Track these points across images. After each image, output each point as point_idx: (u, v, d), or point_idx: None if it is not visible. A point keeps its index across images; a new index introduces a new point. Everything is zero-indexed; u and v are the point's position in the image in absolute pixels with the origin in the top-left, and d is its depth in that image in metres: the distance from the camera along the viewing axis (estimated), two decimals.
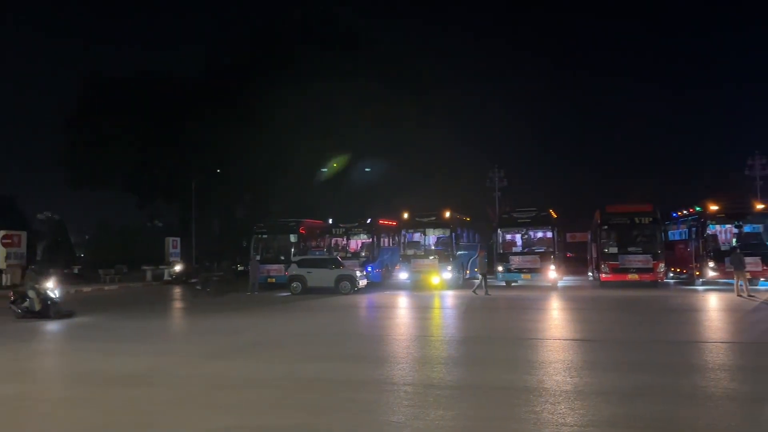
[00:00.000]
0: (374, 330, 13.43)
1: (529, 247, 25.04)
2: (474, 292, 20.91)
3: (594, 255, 25.53)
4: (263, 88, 36.69)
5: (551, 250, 23.79)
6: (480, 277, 21.39)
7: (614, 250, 23.02)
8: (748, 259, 19.30)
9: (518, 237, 25.85)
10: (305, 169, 39.44)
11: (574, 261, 31.94)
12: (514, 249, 25.04)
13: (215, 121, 36.61)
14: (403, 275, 24.95)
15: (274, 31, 41.01)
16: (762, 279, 20.59)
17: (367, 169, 39.59)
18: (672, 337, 11.88)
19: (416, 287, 23.94)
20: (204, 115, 36.80)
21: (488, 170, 44.48)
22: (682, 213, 25.44)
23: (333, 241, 27.26)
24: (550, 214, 24.79)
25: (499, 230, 25.09)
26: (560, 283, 24.45)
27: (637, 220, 23.07)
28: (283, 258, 26.09)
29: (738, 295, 18.15)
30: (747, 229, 22.36)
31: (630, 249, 22.76)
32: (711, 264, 21.61)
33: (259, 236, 26.93)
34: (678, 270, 25.26)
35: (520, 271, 23.75)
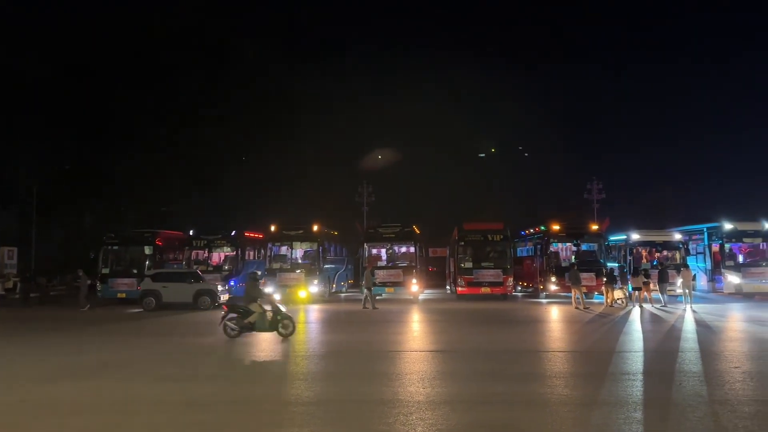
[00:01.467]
0: (233, 347, 13.01)
1: (393, 261, 25.76)
2: (374, 307, 21.15)
3: (452, 269, 26.88)
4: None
5: (414, 264, 24.68)
6: (366, 291, 21.64)
7: (469, 264, 24.45)
8: (584, 275, 21.42)
9: (383, 251, 26.54)
10: (165, 175, 37.53)
11: (436, 275, 33.37)
12: (379, 263, 25.64)
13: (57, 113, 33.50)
14: (269, 289, 24.46)
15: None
16: (596, 293, 22.90)
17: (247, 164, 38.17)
18: (517, 346, 12.82)
19: (282, 301, 23.55)
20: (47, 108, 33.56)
21: (358, 185, 45.27)
22: (530, 231, 27.72)
23: (193, 253, 26.06)
24: (414, 230, 25.74)
25: (365, 245, 25.56)
26: (421, 296, 25.40)
27: (490, 237, 24.70)
28: (136, 271, 24.44)
29: (575, 308, 20.04)
30: (584, 247, 24.82)
31: (483, 264, 24.30)
32: (553, 279, 23.70)
33: (110, 247, 25.01)
34: (525, 284, 27.38)
35: (384, 284, 24.32)
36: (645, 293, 20.66)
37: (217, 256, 26.49)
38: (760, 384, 8.51)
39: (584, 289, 21.32)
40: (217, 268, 25.36)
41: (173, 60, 34.21)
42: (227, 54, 37.77)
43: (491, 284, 24.02)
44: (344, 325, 17.46)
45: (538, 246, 25.72)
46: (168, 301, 21.41)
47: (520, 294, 27.26)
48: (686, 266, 22.07)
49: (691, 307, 19.54)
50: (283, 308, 13.76)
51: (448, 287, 29.56)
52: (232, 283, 24.24)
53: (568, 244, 25.20)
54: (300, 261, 25.60)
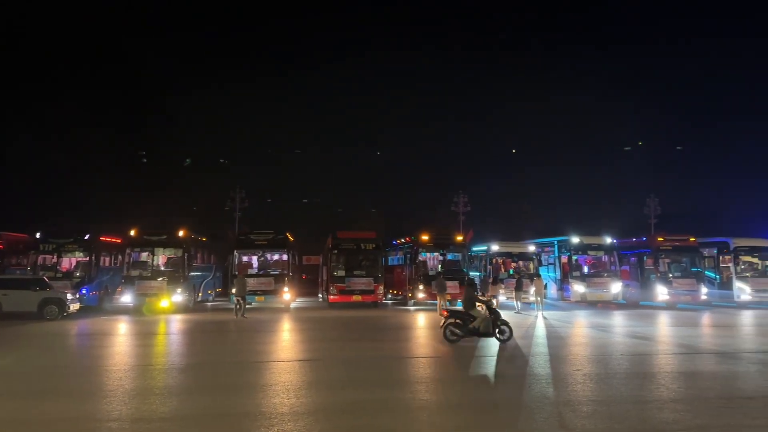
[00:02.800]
0: (82, 360, 11.96)
1: (264, 269, 25.21)
2: (243, 316, 20.40)
3: (324, 277, 26.87)
4: None
5: (286, 272, 24.33)
6: (235, 300, 20.93)
7: (342, 272, 24.61)
8: (449, 283, 22.40)
9: (255, 259, 25.88)
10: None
11: (309, 283, 33.17)
12: (250, 271, 24.97)
13: None
14: (126, 298, 22.86)
15: None
16: (460, 300, 23.97)
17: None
18: (384, 353, 13.07)
19: (141, 311, 22.12)
20: None
21: (230, 190, 43.87)
22: (400, 241, 28.53)
23: (40, 258, 23.64)
24: (287, 237, 25.40)
25: (235, 252, 24.77)
26: (293, 305, 25.11)
27: (363, 245, 25.06)
28: None
29: (440, 315, 20.83)
30: (450, 257, 25.98)
31: (355, 272, 24.57)
32: (421, 287, 24.53)
33: None
34: (395, 292, 28.08)
35: (254, 292, 23.70)
36: (495, 301, 22.08)
37: (68, 261, 24.26)
38: (598, 385, 9.38)
39: (449, 297, 22.31)
40: (68, 275, 23.22)
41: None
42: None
43: (362, 292, 24.33)
44: (209, 336, 16.76)
45: (408, 255, 26.51)
46: (8, 310, 19.27)
47: (390, 302, 27.89)
48: (539, 276, 23.88)
49: (542, 313, 21.13)
50: (501, 313, 13.91)
51: (320, 295, 29.49)
52: (84, 291, 22.34)
53: (436, 253, 26.26)
54: (163, 268, 24.19)
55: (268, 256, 25.76)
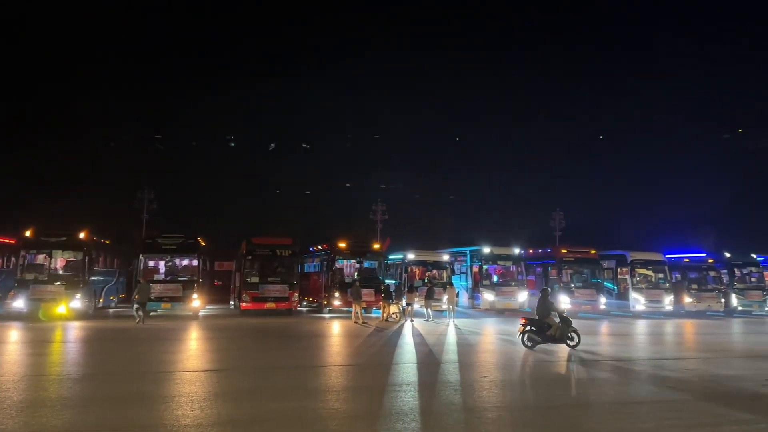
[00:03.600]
0: None
1: (172, 274, 24.20)
2: (142, 323, 19.50)
3: (237, 284, 26.19)
4: None
5: (196, 278, 23.48)
6: (136, 306, 19.97)
7: (256, 279, 24.08)
8: (364, 291, 22.50)
9: (162, 264, 24.79)
10: None
11: (221, 289, 32.18)
12: (157, 276, 23.90)
13: None
14: (19, 303, 21.22)
15: None
16: (375, 307, 24.14)
17: None
18: (296, 362, 12.88)
19: (36, 317, 20.60)
20: None
21: (137, 191, 41.81)
22: (317, 248, 28.33)
23: None
24: (198, 242, 24.53)
25: (141, 256, 23.63)
26: (202, 312, 24.26)
27: (278, 252, 24.64)
28: None
29: (355, 322, 20.89)
30: (366, 264, 26.07)
31: (270, 279, 24.11)
32: (337, 294, 24.45)
33: None
34: (311, 299, 27.81)
35: (160, 299, 22.70)
36: (409, 308, 22.45)
37: None
38: (502, 391, 9.71)
39: (364, 305, 22.40)
40: None
41: None
42: None
43: (277, 299, 23.90)
44: (108, 344, 15.85)
45: (324, 262, 26.37)
46: None
47: (305, 309, 27.58)
48: (451, 284, 24.48)
49: (453, 321, 21.64)
50: (572, 320, 14.80)
51: (232, 303, 28.69)
52: None
53: (352, 261, 26.27)
54: (61, 272, 22.66)
55: (177, 261, 24.76)
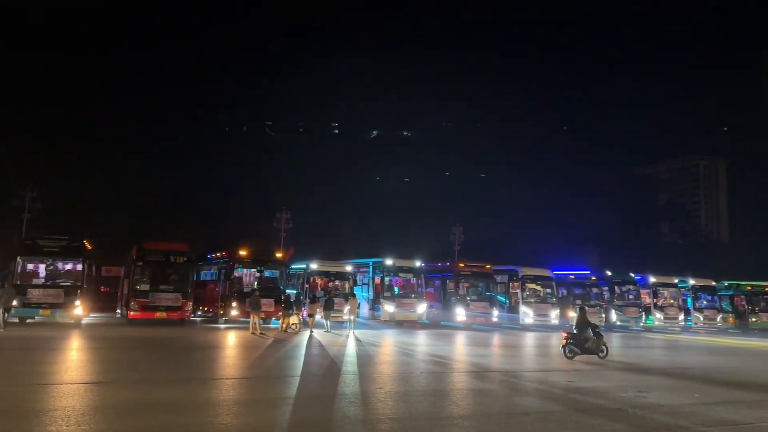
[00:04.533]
0: None
1: (53, 279, 22.43)
2: (2, 328, 18.04)
3: (126, 291, 24.72)
4: None
5: (79, 283, 21.93)
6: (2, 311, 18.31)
7: (146, 286, 22.84)
8: (264, 301, 21.99)
9: (43, 268, 22.92)
10: None
11: (109, 296, 30.23)
12: (35, 281, 22.07)
13: None
14: None
15: None
16: (274, 318, 23.66)
17: None
18: (186, 374, 12.32)
19: None
20: None
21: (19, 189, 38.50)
22: (216, 255, 27.37)
23: None
24: (84, 245, 22.93)
25: (18, 258, 21.75)
26: (86, 320, 22.67)
27: (172, 258, 23.52)
28: None
29: (252, 333, 20.35)
30: (267, 274, 25.54)
31: (162, 287, 22.94)
32: (234, 304, 23.71)
33: None
34: (206, 308, 26.79)
35: (39, 306, 20.99)
36: (311, 319, 22.29)
37: None
38: (397, 403, 9.82)
39: (263, 315, 21.89)
40: None
41: None
42: None
43: (168, 308, 22.78)
44: None
45: (223, 270, 25.52)
46: None
47: (199, 319, 26.51)
48: (353, 295, 24.53)
49: (353, 332, 21.68)
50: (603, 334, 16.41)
51: (119, 311, 27.03)
52: None
53: (252, 270, 25.61)
54: None
55: (60, 264, 22.99)
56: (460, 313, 27.66)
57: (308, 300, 23.54)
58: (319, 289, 27.20)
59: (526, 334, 25.85)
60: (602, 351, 16.21)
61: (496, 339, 23.31)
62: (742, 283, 36.37)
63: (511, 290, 30.52)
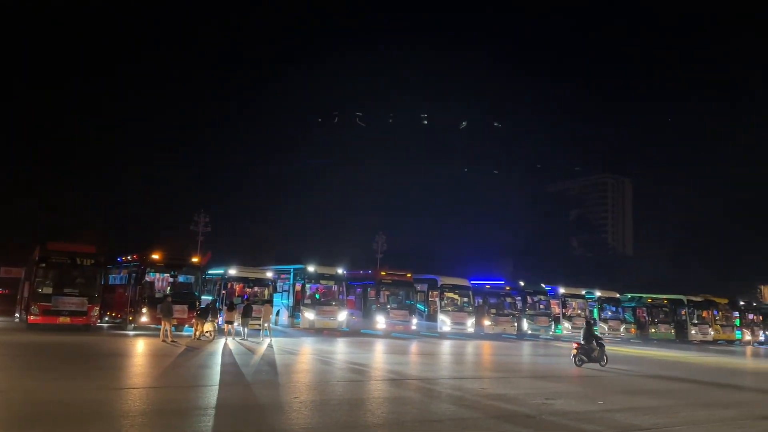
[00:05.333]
0: None
1: None
2: None
3: (26, 294, 23.05)
4: None
5: None
6: None
7: (48, 290, 21.39)
8: (176, 307, 21.14)
9: None
10: None
11: (7, 299, 28.11)
12: None
13: None
14: None
15: None
16: (187, 325, 22.79)
17: None
18: (89, 383, 11.57)
19: None
20: None
21: None
22: (126, 258, 26.08)
23: None
24: None
25: None
26: None
27: (78, 260, 22.15)
28: None
29: (162, 341, 19.49)
30: (181, 279, 24.57)
31: (66, 290, 21.55)
32: (144, 310, 22.62)
33: None
34: (115, 314, 25.42)
35: None
36: (228, 326, 21.68)
37: None
38: (311, 412, 9.69)
39: (175, 322, 21.04)
40: None
41: None
42: None
43: (72, 313, 21.41)
44: None
45: (134, 274, 24.32)
46: None
47: (106, 325, 25.11)
48: (268, 302, 24.08)
49: (270, 340, 21.24)
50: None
51: (17, 315, 25.15)
52: None
53: (166, 274, 24.57)
54: None
55: None
56: (380, 321, 27.79)
57: (225, 307, 22.86)
58: (237, 295, 26.50)
59: (443, 342, 26.33)
60: (603, 360, 17.96)
61: (414, 347, 23.58)
62: (644, 295, 38.82)
63: (430, 299, 31.02)
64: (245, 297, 26.14)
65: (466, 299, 30.88)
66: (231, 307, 22.31)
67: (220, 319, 22.97)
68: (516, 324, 32.19)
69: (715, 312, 38.45)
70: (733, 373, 20.80)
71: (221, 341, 20.42)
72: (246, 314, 22.22)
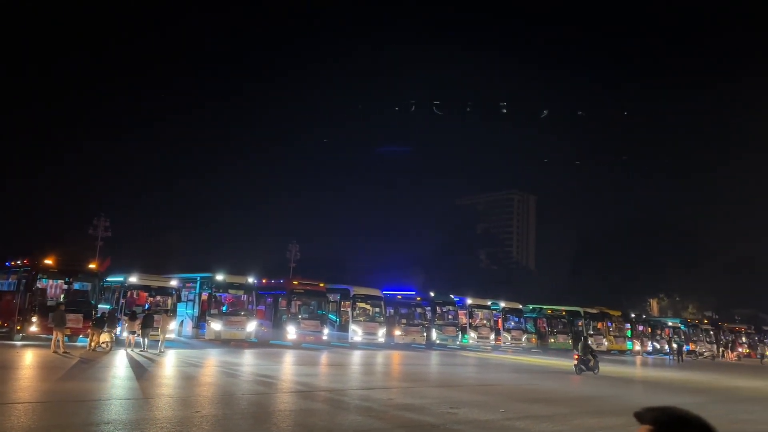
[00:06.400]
0: None
1: None
2: None
3: None
4: None
5: None
6: None
7: None
8: (71, 316, 19.81)
9: None
10: None
11: None
12: None
13: None
14: None
15: None
16: (82, 335, 21.40)
17: None
18: None
19: None
20: None
21: None
22: (16, 263, 24.13)
23: None
24: None
25: None
26: None
27: None
28: None
29: (54, 352, 18.18)
30: (77, 286, 23.08)
31: None
32: (34, 319, 21.02)
33: None
34: (1, 323, 23.37)
35: None
36: (129, 337, 20.61)
37: None
38: (213, 428, 9.36)
39: (68, 331, 19.69)
40: None
41: None
42: None
43: None
44: None
45: (23, 280, 22.53)
46: None
47: None
48: (167, 312, 23.10)
49: (160, 351, 20.11)
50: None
51: None
52: None
53: (60, 281, 22.98)
54: None
55: None
56: (290, 332, 27.36)
57: (126, 316, 21.67)
58: (138, 304, 25.18)
59: (354, 352, 26.34)
60: (597, 369, 21.24)
61: (324, 357, 23.43)
62: (544, 306, 40.81)
63: (342, 309, 30.91)
64: (147, 306, 24.89)
65: (378, 309, 31.07)
66: (132, 317, 21.19)
67: (119, 329, 21.74)
68: (425, 334, 32.77)
69: (609, 323, 41.00)
70: (626, 382, 22.24)
71: (119, 353, 19.33)
72: (146, 324, 21.16)
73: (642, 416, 2.14)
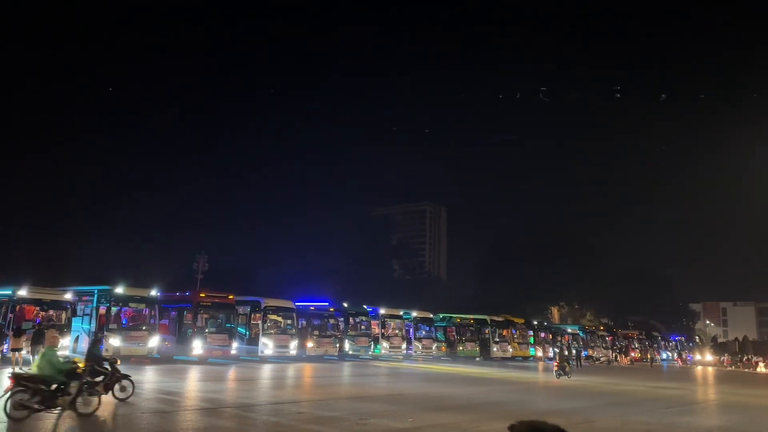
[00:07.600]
0: None
1: None
2: None
3: None
4: None
5: None
6: None
7: None
8: None
9: None
10: None
11: None
12: None
13: None
14: None
15: None
16: None
17: None
18: None
19: None
20: None
21: None
22: None
23: None
24: None
25: None
26: None
27: None
28: None
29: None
30: None
31: None
32: None
33: None
34: None
35: None
36: (15, 355, 19.06)
37: None
38: None
39: None
40: None
41: None
42: None
43: None
44: None
45: None
46: None
47: None
48: (51, 328, 21.53)
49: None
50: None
51: None
52: None
53: None
54: None
55: None
56: (196, 346, 26.25)
57: (11, 332, 19.95)
58: (27, 319, 23.22)
59: (263, 366, 25.70)
60: (570, 374, 25.75)
61: (232, 372, 22.69)
62: (454, 315, 41.73)
63: (252, 321, 30.02)
64: (38, 321, 23.04)
65: (289, 321, 30.49)
66: (18, 333, 19.54)
67: (5, 346, 19.99)
68: (338, 345, 32.55)
69: (513, 330, 42.60)
70: (529, 388, 23.13)
71: (3, 371, 17.73)
72: (36, 341, 19.59)
73: (513, 428, 2.68)
